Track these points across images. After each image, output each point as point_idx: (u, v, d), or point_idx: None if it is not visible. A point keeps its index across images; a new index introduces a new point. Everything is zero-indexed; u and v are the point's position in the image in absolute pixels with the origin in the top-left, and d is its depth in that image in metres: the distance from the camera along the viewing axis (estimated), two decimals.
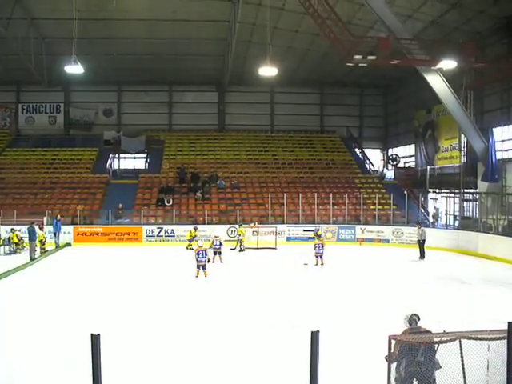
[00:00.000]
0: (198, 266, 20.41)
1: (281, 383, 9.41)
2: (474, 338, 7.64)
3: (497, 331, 7.48)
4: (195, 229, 29.68)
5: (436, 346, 8.10)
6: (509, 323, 7.18)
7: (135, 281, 20.27)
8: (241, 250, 29.01)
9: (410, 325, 8.74)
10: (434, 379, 8.24)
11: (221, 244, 25.12)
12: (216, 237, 25.67)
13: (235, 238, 30.06)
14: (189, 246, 28.78)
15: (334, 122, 47.67)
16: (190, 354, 10.63)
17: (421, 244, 26.63)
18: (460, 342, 7.83)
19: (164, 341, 11.46)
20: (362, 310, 15.05)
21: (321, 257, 23.77)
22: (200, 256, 20.32)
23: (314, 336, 6.67)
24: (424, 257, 26.25)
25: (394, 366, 7.98)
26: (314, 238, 25.63)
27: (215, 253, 24.66)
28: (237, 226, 30.89)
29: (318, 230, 29.93)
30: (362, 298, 16.77)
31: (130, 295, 17.54)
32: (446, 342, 8.18)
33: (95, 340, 6.47)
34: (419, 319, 8.75)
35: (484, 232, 27.77)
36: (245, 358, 10.44)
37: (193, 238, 28.66)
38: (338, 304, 15.83)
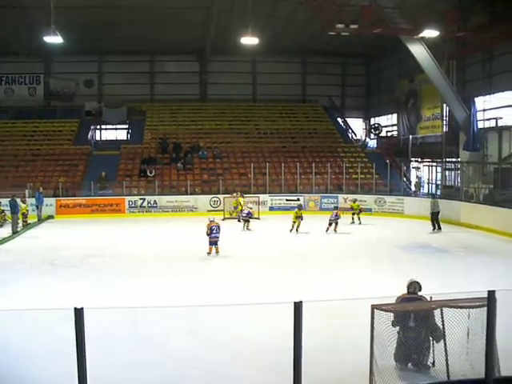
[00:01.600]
0: (211, 243, 19.04)
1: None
2: (455, 307, 7.77)
3: (477, 299, 7.59)
4: (241, 194, 29.97)
5: (431, 313, 8.30)
6: (488, 291, 7.29)
7: (120, 252, 20.22)
8: (239, 220, 28.42)
9: (408, 290, 8.92)
10: (429, 346, 8.41)
11: (249, 213, 26.02)
12: (250, 208, 26.71)
13: (219, 208, 30.07)
14: (238, 211, 28.99)
15: (316, 92, 47.39)
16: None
17: (435, 215, 25.74)
18: (441, 310, 7.96)
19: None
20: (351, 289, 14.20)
21: (336, 224, 24.56)
22: (214, 231, 18.95)
23: (297, 307, 6.71)
24: (440, 228, 25.52)
25: (390, 335, 8.13)
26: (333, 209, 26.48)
27: (245, 221, 25.63)
28: (220, 196, 30.96)
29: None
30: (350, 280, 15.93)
31: (116, 268, 17.53)
32: (428, 310, 8.34)
33: (78, 314, 6.47)
34: (420, 287, 8.93)
35: (465, 201, 27.90)
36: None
37: (238, 204, 29.07)
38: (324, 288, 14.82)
